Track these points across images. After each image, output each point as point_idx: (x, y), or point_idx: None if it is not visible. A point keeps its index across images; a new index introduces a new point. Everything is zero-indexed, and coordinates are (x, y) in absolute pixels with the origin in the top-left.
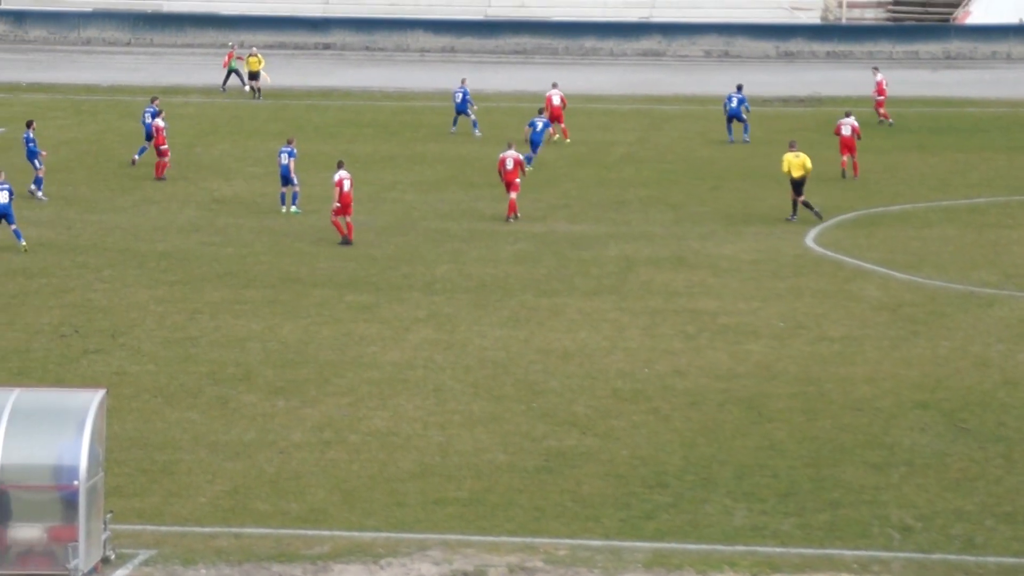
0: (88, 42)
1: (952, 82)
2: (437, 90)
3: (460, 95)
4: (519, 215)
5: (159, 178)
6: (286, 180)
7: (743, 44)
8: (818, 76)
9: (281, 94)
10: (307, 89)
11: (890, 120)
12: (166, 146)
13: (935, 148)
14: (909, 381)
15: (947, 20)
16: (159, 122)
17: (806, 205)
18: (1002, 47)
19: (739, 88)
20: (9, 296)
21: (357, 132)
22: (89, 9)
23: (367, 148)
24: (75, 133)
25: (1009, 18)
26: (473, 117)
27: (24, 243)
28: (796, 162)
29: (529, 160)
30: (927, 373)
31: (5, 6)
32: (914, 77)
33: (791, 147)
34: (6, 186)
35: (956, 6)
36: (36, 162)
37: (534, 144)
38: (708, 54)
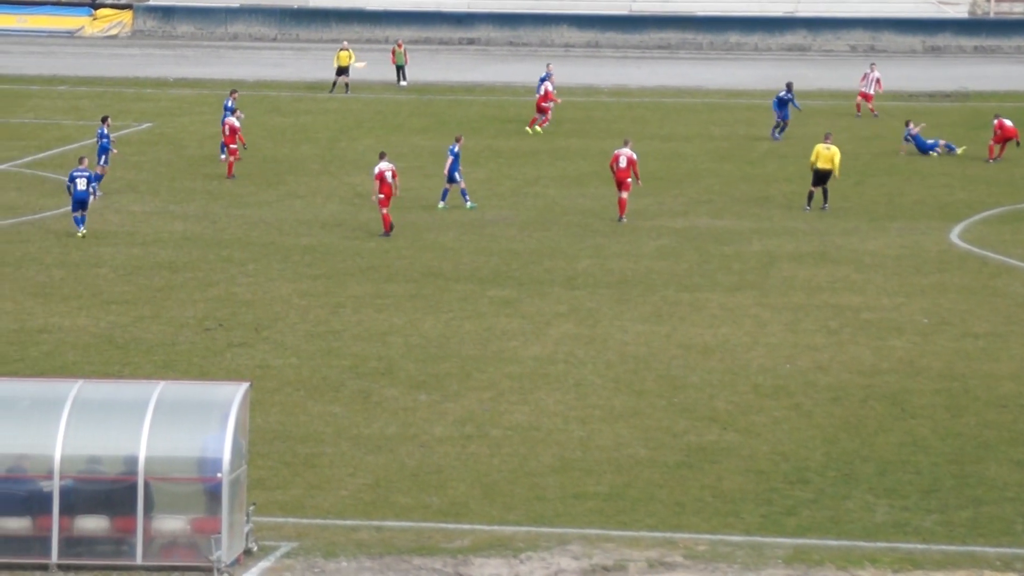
0: (235, 37)
1: None
2: (580, 85)
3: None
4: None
5: (230, 176)
6: (451, 178)
7: (889, 39)
8: (965, 71)
9: (424, 88)
10: (450, 84)
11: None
12: (235, 144)
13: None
14: None
15: None
16: (234, 121)
17: (825, 195)
18: None
19: (789, 87)
20: (155, 290)
21: (500, 127)
22: (236, 4)
23: (510, 143)
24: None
25: None
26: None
27: (83, 231)
28: (826, 154)
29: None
30: None
31: (153, 2)
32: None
33: (826, 138)
34: (86, 173)
35: None
36: (103, 158)
37: None
38: (854, 49)
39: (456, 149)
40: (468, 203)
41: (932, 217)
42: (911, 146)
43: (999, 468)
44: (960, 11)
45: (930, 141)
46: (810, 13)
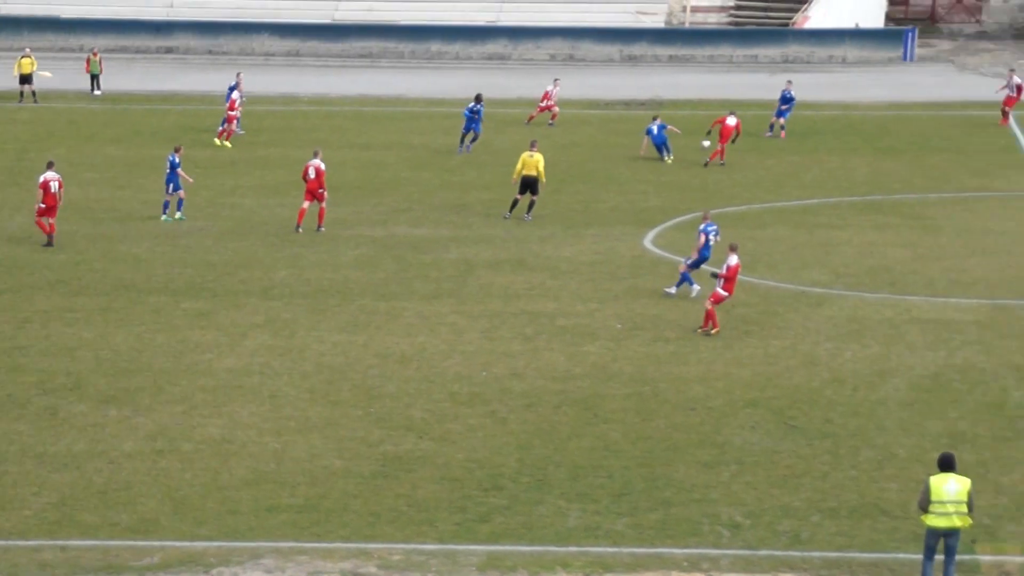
0: None
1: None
2: (280, 94)
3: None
4: (323, 228)
5: None
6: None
7: (588, 48)
8: (660, 80)
9: (120, 98)
10: (147, 93)
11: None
12: None
13: (770, 151)
14: (741, 380)
15: (786, 25)
16: None
17: (531, 205)
18: (838, 51)
19: (478, 98)
20: None
21: (197, 137)
22: None
23: (206, 153)
24: None
25: (845, 23)
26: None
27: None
28: (531, 162)
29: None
30: (758, 372)
31: None
32: (753, 80)
33: (531, 146)
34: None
35: (795, 11)
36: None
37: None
38: (553, 57)
39: (176, 159)
40: (164, 216)
41: (627, 223)
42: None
43: (687, 470)
44: (657, 21)
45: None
46: (511, 22)
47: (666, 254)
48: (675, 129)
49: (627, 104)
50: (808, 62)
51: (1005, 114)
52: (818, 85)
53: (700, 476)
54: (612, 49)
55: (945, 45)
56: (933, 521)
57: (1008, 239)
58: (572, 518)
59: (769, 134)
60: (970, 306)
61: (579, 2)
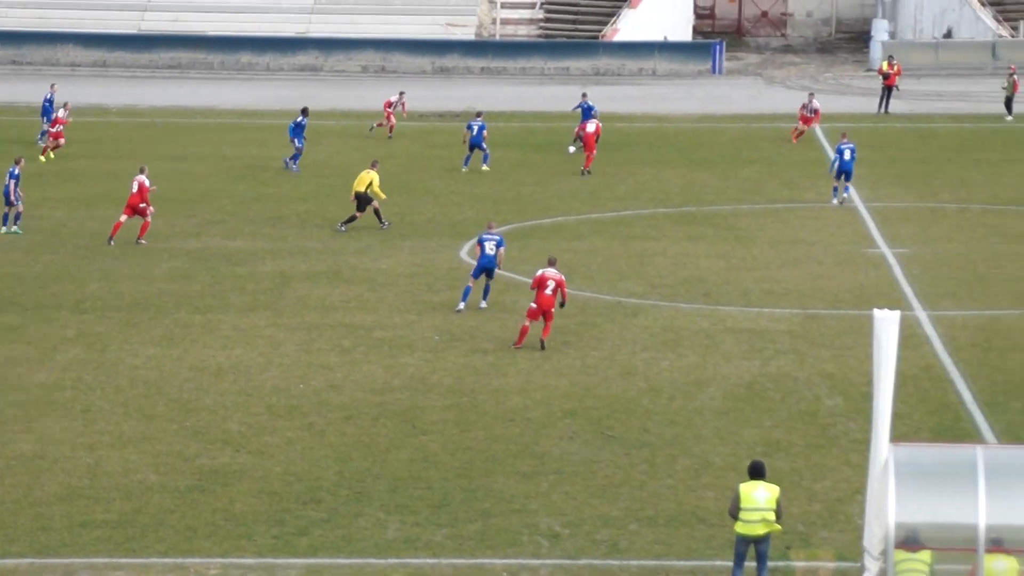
0: None
1: (601, 97)
2: (89, 105)
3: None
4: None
5: None
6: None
7: (400, 59)
8: (473, 91)
9: None
10: None
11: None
12: None
13: (584, 162)
14: (559, 391)
15: (596, 37)
16: None
17: (376, 213)
18: (648, 64)
19: (304, 112)
20: None
21: (3, 149)
22: None
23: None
24: None
25: (655, 35)
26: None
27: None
28: (363, 178)
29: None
30: (576, 382)
31: None
32: (565, 93)
33: (372, 165)
34: None
35: (604, 24)
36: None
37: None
38: (365, 69)
39: (16, 171)
40: (4, 228)
41: (443, 235)
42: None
43: (506, 480)
44: (467, 33)
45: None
46: (321, 34)
47: None
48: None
49: (441, 116)
50: (619, 74)
51: (799, 132)
52: (630, 98)
53: (519, 487)
54: (424, 61)
55: (753, 58)
56: (743, 528)
57: (819, 249)
58: (391, 530)
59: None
60: (783, 316)
61: (389, 14)
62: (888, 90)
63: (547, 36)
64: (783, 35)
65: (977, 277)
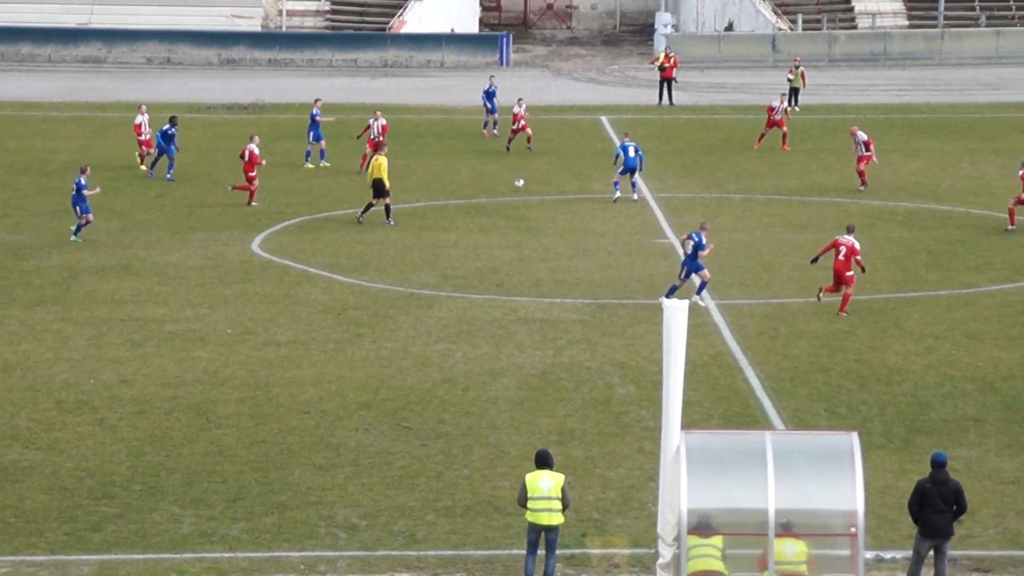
0: None
1: (390, 89)
2: None
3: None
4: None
5: None
6: None
7: (185, 51)
8: (260, 83)
9: None
10: None
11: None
12: None
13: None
14: (354, 382)
15: (384, 29)
16: None
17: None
18: (436, 55)
19: (172, 121)
20: None
21: None
22: None
23: None
24: None
25: (442, 28)
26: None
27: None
28: (375, 164)
29: None
30: (371, 374)
31: None
32: (354, 85)
33: (380, 150)
34: None
35: (391, 16)
36: None
37: None
38: (150, 61)
39: (83, 181)
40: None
41: (234, 228)
42: None
43: (302, 473)
44: (253, 25)
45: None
46: (104, 25)
47: (275, 258)
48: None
49: (229, 108)
50: (407, 66)
51: (761, 138)
52: (418, 89)
53: (315, 479)
54: (210, 52)
55: (540, 50)
56: (531, 517)
57: (608, 239)
58: (186, 524)
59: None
60: (575, 305)
61: (173, 4)
62: (666, 82)
63: (334, 28)
64: (569, 27)
65: (763, 266)
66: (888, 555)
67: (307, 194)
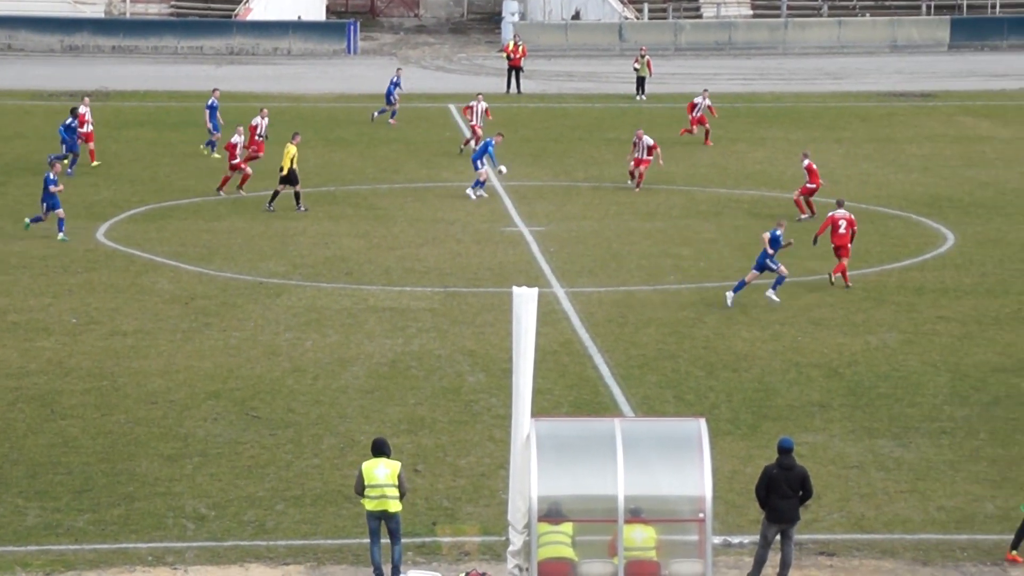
0: None
1: (236, 77)
2: None
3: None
4: None
5: None
6: None
7: (27, 38)
8: (104, 70)
9: None
10: None
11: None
12: None
13: (222, 142)
14: (202, 372)
15: (230, 16)
16: None
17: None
18: (283, 43)
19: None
20: None
21: None
22: None
23: None
24: None
25: (289, 15)
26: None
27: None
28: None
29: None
30: (219, 363)
31: None
32: (199, 72)
33: (293, 138)
34: None
35: (238, 3)
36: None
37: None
38: None
39: (52, 176)
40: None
41: (79, 216)
42: None
43: (150, 464)
44: (97, 11)
45: None
46: None
47: (120, 247)
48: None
49: (72, 95)
50: (254, 54)
51: (686, 132)
52: (265, 77)
53: (163, 469)
54: (52, 39)
55: (387, 38)
56: (369, 505)
57: (457, 228)
58: (31, 517)
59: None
60: (424, 294)
61: None
62: (514, 70)
63: (179, 15)
64: (416, 15)
65: (611, 254)
66: (736, 540)
67: (153, 182)
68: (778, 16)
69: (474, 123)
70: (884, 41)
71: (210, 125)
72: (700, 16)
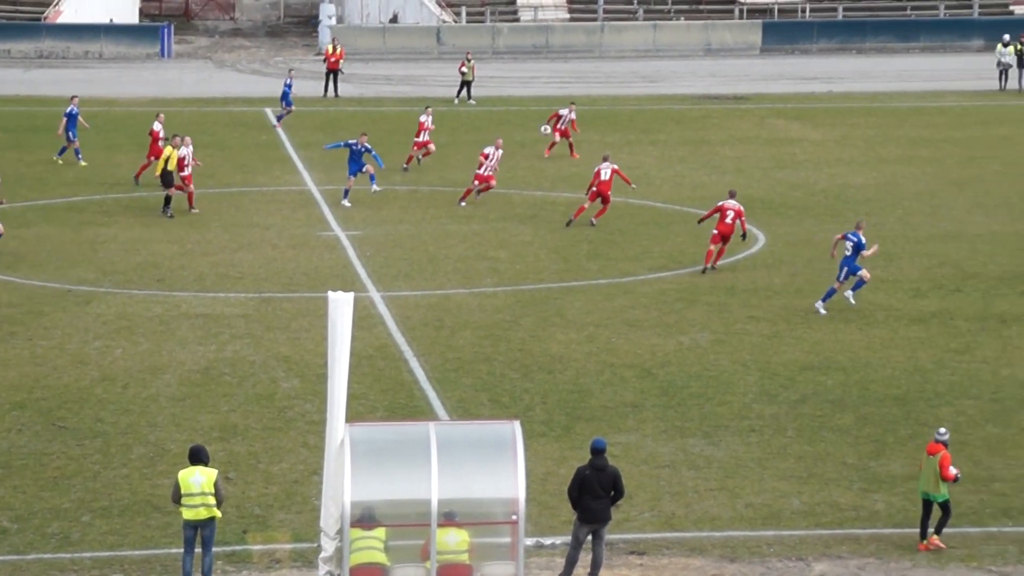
0: None
1: (47, 81)
2: None
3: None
4: None
5: None
6: None
7: None
8: None
9: None
10: None
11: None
12: None
13: (31, 147)
14: (6, 382)
15: (39, 19)
16: None
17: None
18: (94, 46)
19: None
20: None
21: None
22: None
23: None
24: None
25: (100, 18)
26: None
27: None
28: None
29: None
30: (25, 373)
31: None
32: (8, 76)
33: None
34: None
35: (48, 5)
36: None
37: None
38: None
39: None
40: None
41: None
42: None
43: None
44: None
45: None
46: None
47: None
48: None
49: None
50: (64, 57)
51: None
52: (77, 81)
53: None
54: None
55: (202, 42)
56: (187, 514)
57: (273, 232)
58: None
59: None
60: (238, 300)
61: None
62: (332, 74)
63: None
64: (232, 19)
65: (428, 257)
66: (548, 541)
67: None
68: (595, 20)
69: (421, 139)
70: (698, 45)
71: (69, 133)
72: (518, 19)
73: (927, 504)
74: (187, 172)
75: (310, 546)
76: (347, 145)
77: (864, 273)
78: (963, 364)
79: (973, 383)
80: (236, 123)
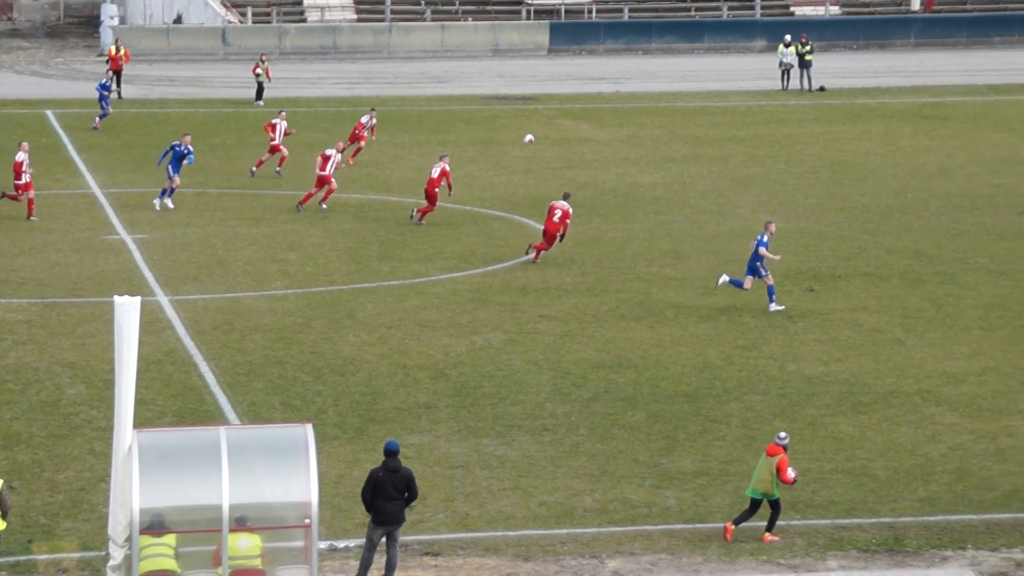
0: None
1: None
2: None
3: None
4: None
5: None
6: None
7: None
8: None
9: None
10: None
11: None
12: None
13: None
14: None
15: None
16: None
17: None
18: None
19: None
20: None
21: None
22: None
23: None
24: None
25: None
26: None
27: None
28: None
29: None
30: None
31: None
32: None
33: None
34: None
35: None
36: None
37: None
38: None
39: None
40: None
41: None
42: None
43: None
44: None
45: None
46: None
47: None
48: None
49: None
50: None
51: (356, 153)
52: None
53: None
54: None
55: None
56: None
57: (57, 236)
58: None
59: None
60: (21, 305)
61: None
62: (115, 75)
63: None
64: (10, 19)
65: (217, 260)
66: (342, 544)
67: None
68: (382, 20)
69: (276, 142)
70: (486, 45)
71: None
72: (305, 20)
73: (755, 502)
74: (25, 180)
75: (98, 554)
76: (172, 148)
77: (768, 278)
78: (751, 360)
79: (761, 379)
80: (16, 126)
